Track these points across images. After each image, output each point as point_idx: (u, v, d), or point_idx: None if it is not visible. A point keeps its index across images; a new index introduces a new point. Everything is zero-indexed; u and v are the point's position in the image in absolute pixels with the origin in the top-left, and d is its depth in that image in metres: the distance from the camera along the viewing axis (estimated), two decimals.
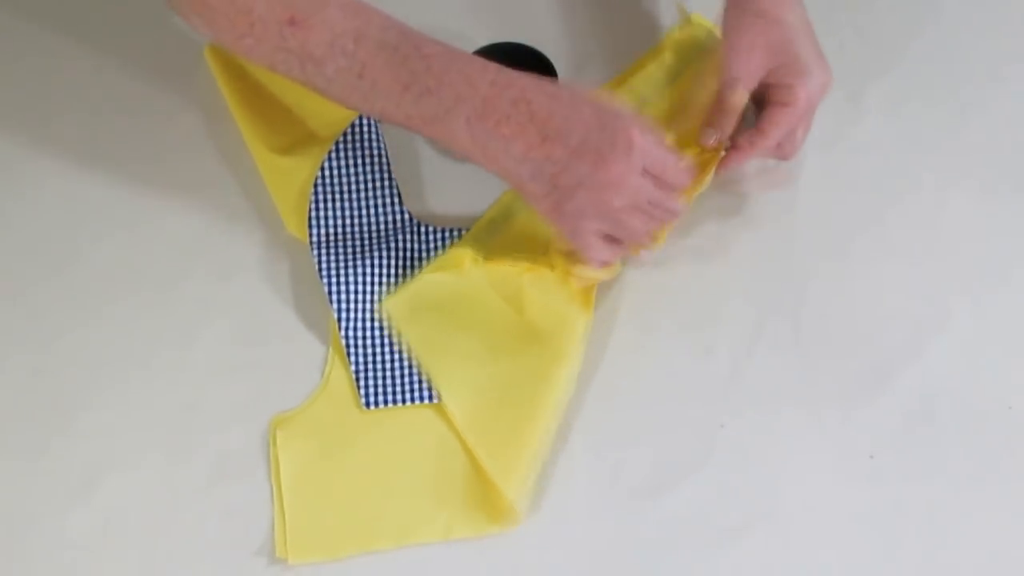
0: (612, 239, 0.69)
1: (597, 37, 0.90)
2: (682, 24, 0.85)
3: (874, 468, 0.72)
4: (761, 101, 0.73)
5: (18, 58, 0.87)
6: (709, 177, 0.74)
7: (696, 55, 0.82)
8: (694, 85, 0.80)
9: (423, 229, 0.79)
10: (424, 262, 0.78)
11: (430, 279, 0.76)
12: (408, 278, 0.76)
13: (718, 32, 0.79)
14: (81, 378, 0.75)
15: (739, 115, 0.72)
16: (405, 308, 0.75)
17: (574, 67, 0.86)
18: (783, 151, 0.75)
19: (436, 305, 0.75)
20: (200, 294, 0.78)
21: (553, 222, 0.68)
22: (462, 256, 0.75)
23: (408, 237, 0.78)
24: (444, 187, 0.82)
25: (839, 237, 0.80)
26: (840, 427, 0.73)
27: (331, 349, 0.75)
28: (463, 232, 0.79)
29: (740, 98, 0.71)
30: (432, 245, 0.78)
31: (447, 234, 0.79)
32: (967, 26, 0.89)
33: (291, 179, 0.80)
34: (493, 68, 0.66)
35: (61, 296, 0.77)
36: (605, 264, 0.72)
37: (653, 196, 0.66)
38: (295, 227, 0.79)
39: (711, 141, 0.72)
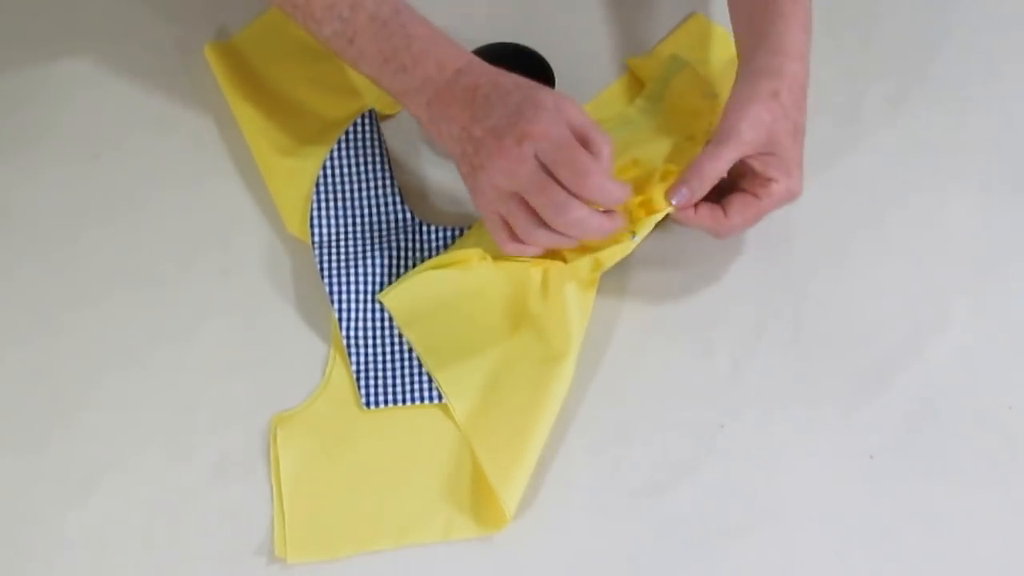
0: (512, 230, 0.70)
1: (596, 38, 0.90)
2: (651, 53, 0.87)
3: (874, 468, 0.72)
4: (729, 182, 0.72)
5: (18, 57, 0.87)
6: (657, 218, 0.72)
7: (669, 81, 0.82)
8: (673, 114, 0.80)
9: (425, 228, 0.79)
10: (425, 260, 0.77)
11: (435, 275, 0.76)
12: (408, 272, 0.77)
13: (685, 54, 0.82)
14: (81, 377, 0.75)
15: (716, 181, 0.70)
16: (407, 304, 0.75)
17: (573, 67, 0.86)
18: (723, 234, 0.73)
19: (440, 303, 0.75)
20: (201, 293, 0.78)
21: (473, 201, 0.70)
22: (469, 254, 0.75)
23: (409, 236, 0.78)
24: (446, 186, 0.82)
25: (839, 237, 0.80)
26: (840, 427, 0.73)
27: (332, 348, 0.75)
28: (465, 230, 0.79)
29: (723, 166, 0.69)
30: (434, 244, 0.78)
31: (449, 233, 0.79)
32: (967, 26, 0.89)
33: (292, 179, 0.80)
34: (466, 58, 0.70)
35: (61, 295, 0.77)
36: (520, 251, 0.71)
37: (538, 181, 0.65)
38: (296, 227, 0.79)
39: (680, 201, 0.70)
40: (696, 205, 0.71)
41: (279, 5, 0.72)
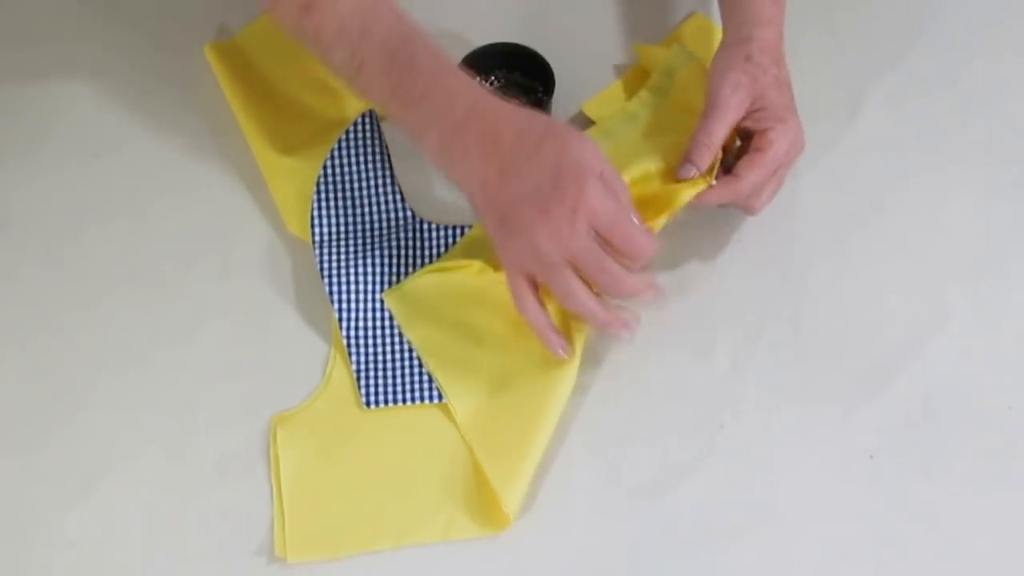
0: (542, 290, 0.69)
1: (596, 38, 0.90)
2: (663, 44, 0.86)
3: (874, 468, 0.72)
4: (736, 151, 0.74)
5: (18, 57, 0.87)
6: (677, 207, 0.72)
7: (674, 74, 0.82)
8: (676, 111, 0.80)
9: (425, 227, 0.79)
10: (426, 260, 0.78)
11: (438, 278, 0.76)
12: (411, 274, 0.77)
13: (694, 48, 0.82)
14: (81, 377, 0.75)
15: (717, 150, 0.72)
16: (409, 304, 0.75)
17: (573, 67, 0.86)
18: (751, 203, 0.74)
19: (442, 304, 0.76)
20: (201, 293, 0.78)
21: (497, 250, 0.69)
22: (471, 263, 0.75)
23: (410, 235, 0.78)
24: (446, 185, 0.82)
25: (839, 237, 0.80)
26: (840, 427, 0.73)
27: (333, 348, 0.75)
28: (466, 229, 0.79)
29: (719, 133, 0.71)
30: (435, 243, 0.79)
31: (450, 231, 0.79)
32: (967, 26, 0.89)
33: (292, 178, 0.80)
34: (474, 94, 0.67)
35: (61, 295, 0.77)
36: (535, 317, 0.69)
37: (596, 253, 0.65)
38: (296, 226, 0.79)
39: (689, 175, 0.72)
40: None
41: (290, 30, 0.71)
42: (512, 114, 0.67)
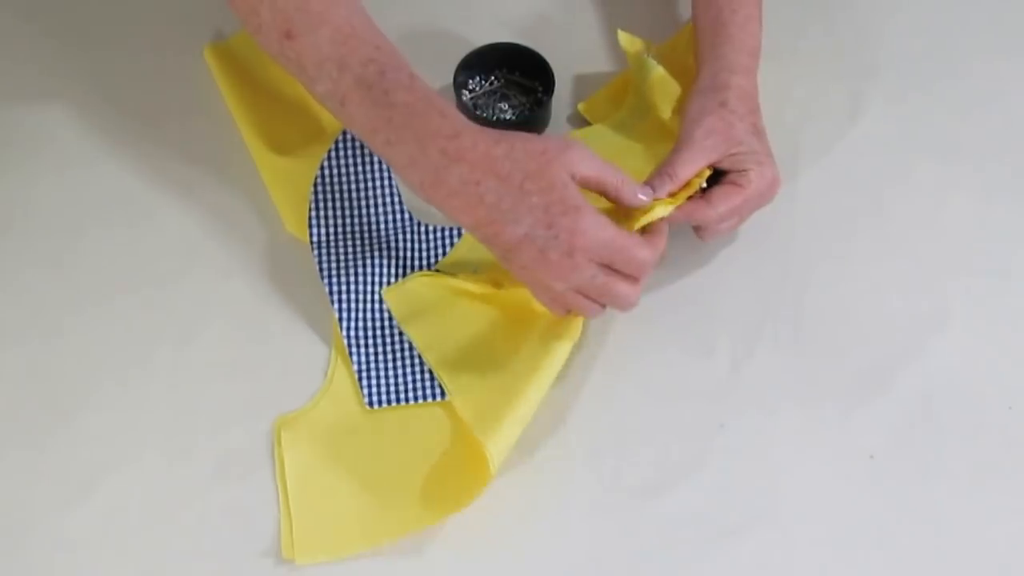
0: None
1: (596, 38, 0.90)
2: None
3: (874, 468, 0.72)
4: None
5: (18, 58, 0.87)
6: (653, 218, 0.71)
7: (645, 84, 0.82)
8: (653, 125, 0.81)
9: (424, 228, 0.79)
10: (426, 260, 0.78)
11: (434, 279, 0.76)
12: (411, 274, 0.77)
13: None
14: (81, 377, 0.75)
15: (679, 186, 0.72)
16: (407, 303, 0.76)
17: (573, 67, 0.87)
18: (705, 231, 0.75)
19: (439, 301, 0.76)
20: (201, 293, 0.78)
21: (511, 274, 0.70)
22: (468, 277, 0.76)
23: (408, 236, 0.78)
24: None
25: (839, 237, 0.80)
26: (840, 427, 0.73)
27: (333, 349, 0.75)
28: (464, 230, 0.79)
29: (683, 174, 0.72)
30: (433, 243, 0.79)
31: (448, 232, 0.79)
32: (967, 26, 0.89)
33: (291, 179, 0.80)
34: (446, 132, 0.65)
35: (61, 295, 0.77)
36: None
37: (599, 283, 0.67)
38: (295, 227, 0.79)
39: (644, 197, 0.70)
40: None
41: (273, 57, 0.70)
42: (487, 153, 0.65)
